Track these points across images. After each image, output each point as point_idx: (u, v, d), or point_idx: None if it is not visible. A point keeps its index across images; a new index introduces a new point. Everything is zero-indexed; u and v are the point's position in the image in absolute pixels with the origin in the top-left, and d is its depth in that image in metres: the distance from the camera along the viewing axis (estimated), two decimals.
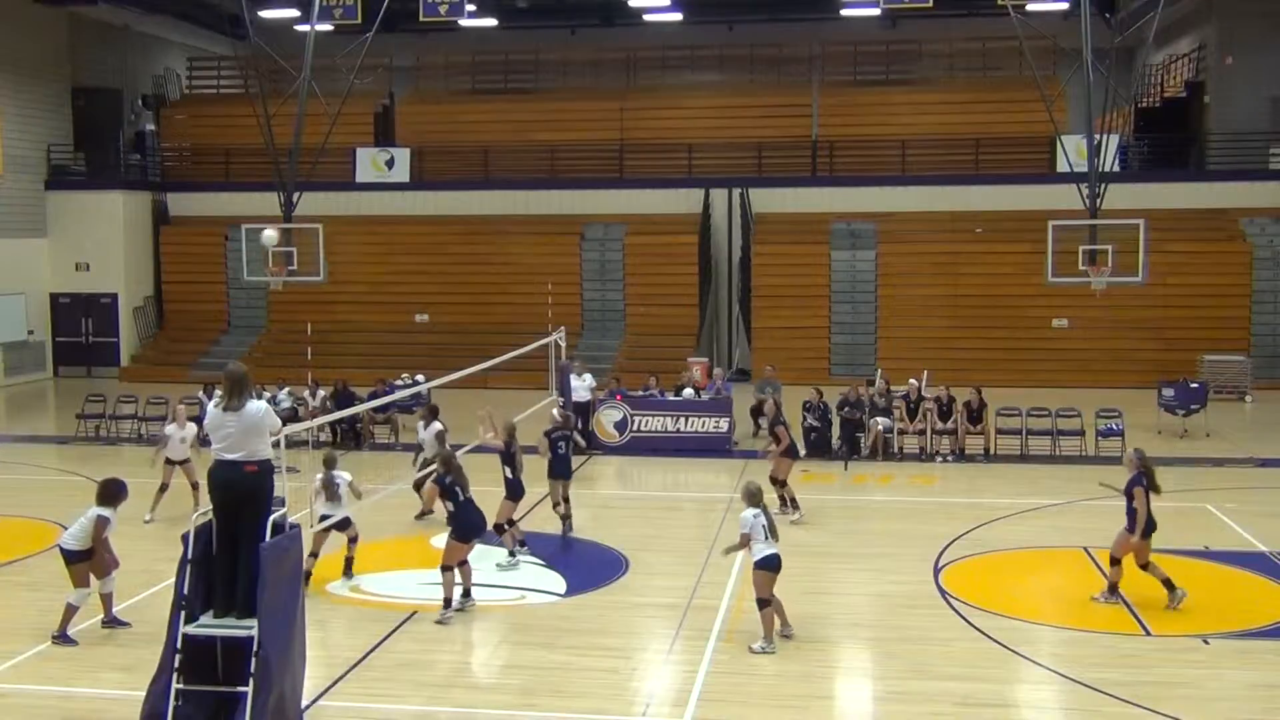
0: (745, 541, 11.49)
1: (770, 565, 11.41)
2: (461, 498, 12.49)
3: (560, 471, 15.97)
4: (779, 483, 16.64)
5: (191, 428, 16.72)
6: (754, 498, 11.57)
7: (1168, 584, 12.58)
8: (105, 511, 11.87)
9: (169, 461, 16.69)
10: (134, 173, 35.99)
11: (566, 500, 16.04)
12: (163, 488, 16.60)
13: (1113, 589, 12.76)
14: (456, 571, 12.47)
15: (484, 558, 14.23)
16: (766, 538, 11.44)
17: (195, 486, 16.43)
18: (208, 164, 36.26)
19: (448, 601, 12.37)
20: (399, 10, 28.63)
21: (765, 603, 11.40)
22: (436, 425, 16.92)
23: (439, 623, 12.21)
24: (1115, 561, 12.77)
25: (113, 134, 35.51)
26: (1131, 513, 12.58)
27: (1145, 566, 12.67)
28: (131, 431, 23.42)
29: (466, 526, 12.50)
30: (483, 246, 33.53)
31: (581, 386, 21.55)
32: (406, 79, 38.52)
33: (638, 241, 33.01)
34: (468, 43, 37.23)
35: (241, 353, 31.77)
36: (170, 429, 16.92)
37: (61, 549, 11.95)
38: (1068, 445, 20.89)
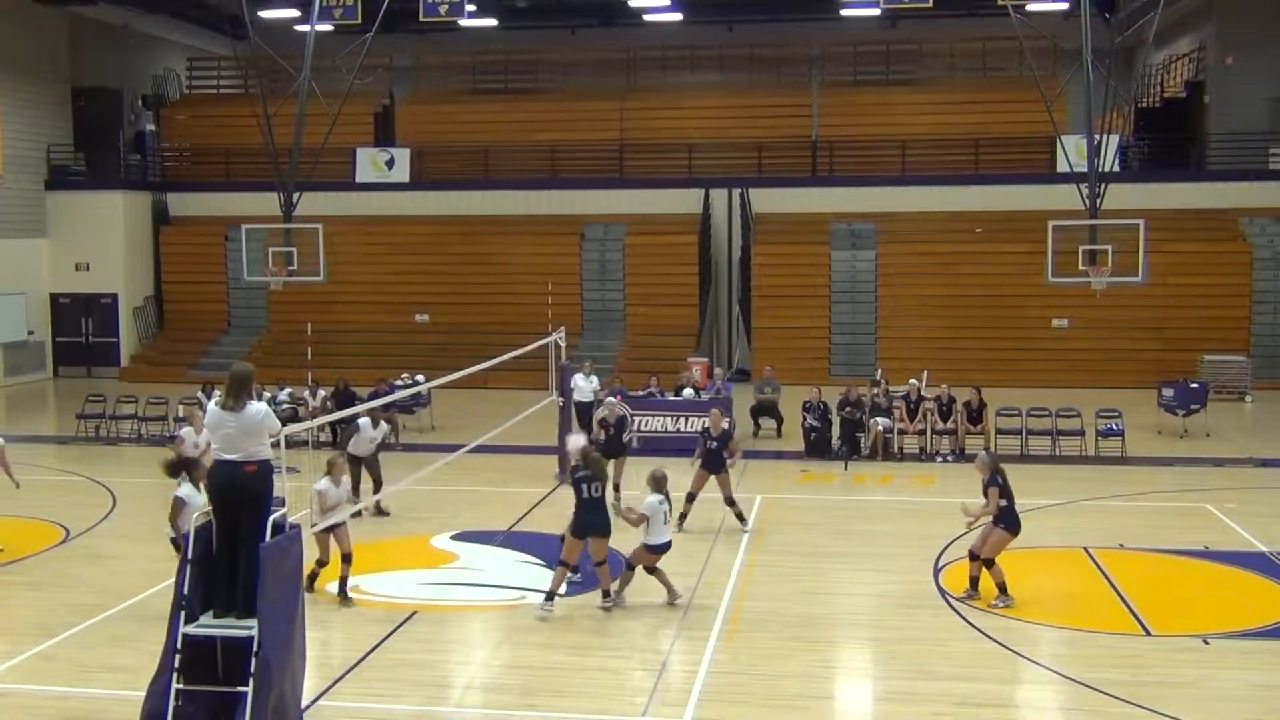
0: (640, 520, 12.50)
1: (658, 550, 12.60)
2: (586, 494, 12.51)
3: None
4: (693, 497, 16.17)
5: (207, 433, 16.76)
6: (659, 484, 12.69)
7: (1003, 588, 12.59)
8: (179, 491, 11.98)
9: None
10: (134, 173, 36.00)
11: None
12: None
13: (1003, 588, 12.64)
14: (603, 572, 12.64)
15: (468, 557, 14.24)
16: (666, 523, 12.65)
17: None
18: (208, 164, 36.26)
19: (549, 595, 12.47)
20: (399, 10, 28.61)
21: (632, 567, 12.68)
22: (385, 426, 17.02)
23: (540, 618, 12.29)
24: (990, 564, 12.64)
25: (113, 134, 35.50)
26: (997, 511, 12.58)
27: (989, 563, 12.62)
28: (131, 432, 23.42)
29: (580, 523, 12.55)
30: (483, 246, 33.54)
31: (587, 387, 21.50)
32: (406, 79, 38.51)
33: (638, 241, 33.00)
34: (468, 43, 37.23)
35: (241, 353, 31.73)
36: (186, 431, 16.88)
37: (170, 539, 12.19)
38: (1068, 445, 20.88)
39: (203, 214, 35.46)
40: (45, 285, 33.70)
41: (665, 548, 12.64)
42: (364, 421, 16.58)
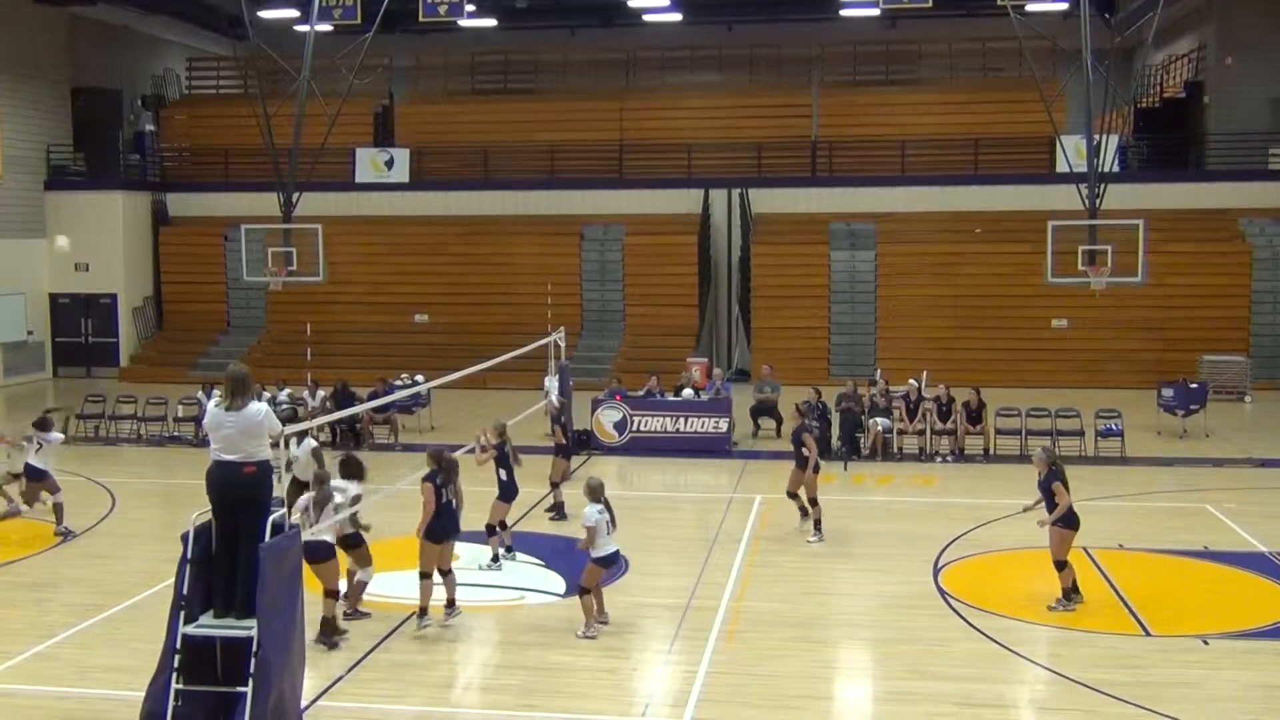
0: (592, 538, 11.69)
1: (606, 563, 11.84)
2: (443, 499, 12.09)
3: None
4: (556, 485, 16.65)
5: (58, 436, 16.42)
6: (596, 493, 11.91)
7: (1073, 589, 12.52)
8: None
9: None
10: (134, 173, 35.98)
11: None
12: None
13: (1067, 594, 12.55)
14: (440, 580, 12.07)
15: (468, 557, 14.23)
16: (608, 533, 11.78)
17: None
18: (207, 164, 36.25)
19: (423, 610, 12.02)
20: (399, 10, 28.62)
21: (586, 591, 11.85)
22: (310, 442, 14.75)
23: (419, 636, 11.86)
24: (1062, 565, 12.56)
25: (112, 134, 35.49)
26: (1055, 508, 12.50)
27: (1062, 565, 12.53)
28: (131, 432, 23.41)
29: (435, 528, 12.08)
30: (483, 246, 33.54)
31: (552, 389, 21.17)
32: (406, 79, 38.52)
33: (638, 241, 33.00)
34: (467, 43, 37.23)
35: (241, 353, 31.75)
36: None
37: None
38: (1067, 445, 20.84)
39: (202, 214, 35.45)
40: (45, 285, 33.71)
41: (613, 559, 11.96)
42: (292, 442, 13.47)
